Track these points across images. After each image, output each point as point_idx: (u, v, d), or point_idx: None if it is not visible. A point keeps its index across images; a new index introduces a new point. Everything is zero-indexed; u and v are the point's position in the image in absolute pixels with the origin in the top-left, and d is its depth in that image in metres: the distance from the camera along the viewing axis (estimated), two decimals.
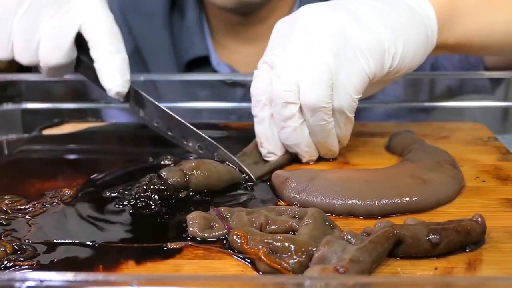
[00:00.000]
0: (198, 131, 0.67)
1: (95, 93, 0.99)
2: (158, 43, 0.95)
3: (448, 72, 0.94)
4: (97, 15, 0.68)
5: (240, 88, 0.94)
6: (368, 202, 0.55)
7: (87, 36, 0.67)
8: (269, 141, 0.65)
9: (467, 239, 0.48)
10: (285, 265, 0.45)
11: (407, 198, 0.55)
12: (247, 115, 0.89)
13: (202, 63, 0.95)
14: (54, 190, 0.61)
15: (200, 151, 0.67)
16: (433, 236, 0.47)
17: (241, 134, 0.79)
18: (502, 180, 0.62)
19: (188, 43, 0.95)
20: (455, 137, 0.75)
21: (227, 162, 0.64)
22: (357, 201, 0.55)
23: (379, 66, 0.62)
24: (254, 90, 0.65)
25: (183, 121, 0.68)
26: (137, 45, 0.97)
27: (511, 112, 0.87)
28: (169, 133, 0.69)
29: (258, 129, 0.66)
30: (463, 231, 0.48)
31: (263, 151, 0.66)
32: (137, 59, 0.97)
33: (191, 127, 0.67)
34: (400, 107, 0.89)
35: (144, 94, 0.70)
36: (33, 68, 0.96)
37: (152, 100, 0.69)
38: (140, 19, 0.96)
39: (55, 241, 0.51)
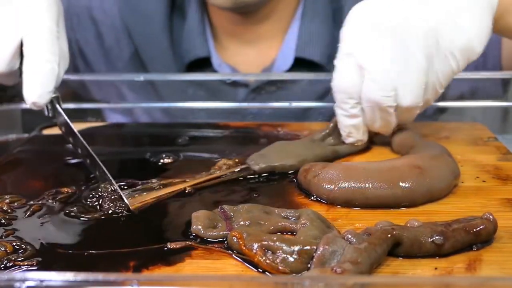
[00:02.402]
0: (97, 161, 0.64)
1: (95, 93, 0.99)
2: (158, 45, 0.95)
3: None
4: (36, 28, 0.67)
5: (242, 89, 0.94)
6: (365, 186, 0.56)
7: (23, 48, 0.67)
8: (359, 132, 0.68)
9: (478, 238, 0.48)
10: (282, 268, 0.45)
11: (402, 184, 0.56)
12: (250, 115, 0.90)
13: (203, 64, 0.95)
14: (54, 190, 0.61)
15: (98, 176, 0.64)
16: (437, 237, 0.47)
17: (241, 134, 0.79)
18: (502, 180, 0.62)
19: (189, 44, 0.95)
20: (455, 137, 0.75)
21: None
22: (355, 185, 0.56)
23: (466, 64, 0.64)
24: (341, 85, 0.65)
25: (88, 148, 0.65)
26: (137, 48, 0.96)
27: (511, 112, 0.87)
28: (80, 153, 0.67)
29: (348, 122, 0.67)
30: (473, 230, 0.48)
31: (351, 140, 0.68)
32: (137, 62, 0.97)
33: (94, 156, 0.64)
34: None
35: (62, 113, 0.68)
36: None
37: (67, 120, 0.67)
38: (139, 22, 0.95)
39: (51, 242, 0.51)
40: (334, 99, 0.67)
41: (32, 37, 0.67)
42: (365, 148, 0.70)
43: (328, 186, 0.57)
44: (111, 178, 0.61)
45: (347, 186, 0.57)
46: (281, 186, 0.62)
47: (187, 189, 0.60)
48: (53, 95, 0.67)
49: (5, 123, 0.84)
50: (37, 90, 0.66)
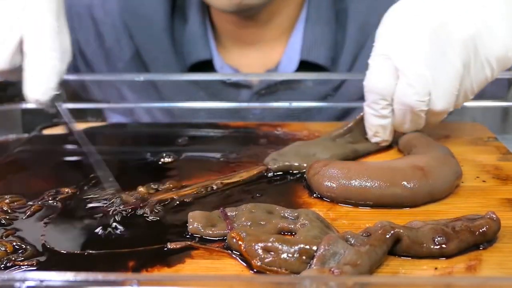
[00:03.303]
0: (98, 161, 0.65)
1: (95, 93, 0.99)
2: (159, 46, 0.95)
3: None
4: (36, 25, 0.67)
5: (244, 90, 0.93)
6: (366, 185, 0.56)
7: (24, 45, 0.68)
8: (385, 132, 0.68)
9: (483, 238, 0.48)
10: (280, 271, 0.45)
11: (404, 183, 0.56)
12: (252, 116, 0.90)
13: (205, 67, 0.95)
14: (54, 190, 0.61)
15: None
16: (439, 238, 0.47)
17: (241, 133, 0.79)
18: (502, 180, 0.62)
19: (191, 46, 0.95)
20: (455, 137, 0.75)
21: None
22: (355, 184, 0.56)
23: (499, 72, 0.65)
24: (374, 85, 0.65)
25: (91, 148, 0.66)
26: (138, 50, 0.96)
27: (511, 112, 0.87)
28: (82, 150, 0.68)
29: (376, 121, 0.67)
30: (478, 230, 0.48)
31: (377, 139, 0.69)
32: (138, 64, 0.97)
33: (95, 154, 0.66)
34: None
35: (62, 113, 0.68)
36: None
37: (68, 120, 0.68)
38: (140, 22, 0.95)
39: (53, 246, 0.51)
40: (365, 98, 0.67)
41: (33, 34, 0.67)
42: (387, 146, 0.71)
43: (328, 184, 0.57)
44: (111, 175, 0.61)
45: (347, 184, 0.57)
46: (288, 185, 0.62)
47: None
48: (56, 92, 0.67)
49: (5, 123, 0.84)
50: (39, 88, 0.66)
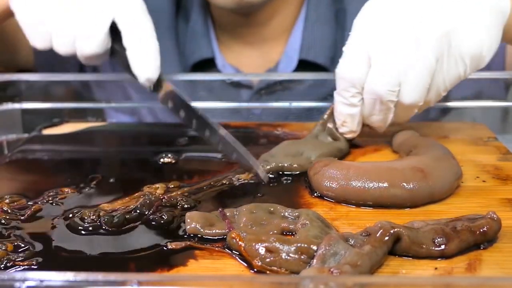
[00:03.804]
0: (217, 128, 0.66)
1: (99, 93, 0.99)
2: (163, 45, 0.94)
3: None
4: (128, 5, 0.70)
5: (245, 90, 0.93)
6: (365, 186, 0.56)
7: (120, 25, 0.70)
8: (353, 122, 0.67)
9: (483, 238, 0.48)
10: (280, 271, 0.45)
11: (404, 185, 0.56)
12: (253, 116, 0.90)
13: (207, 65, 0.95)
14: (54, 190, 0.61)
15: (220, 146, 0.67)
16: (439, 239, 0.47)
17: (241, 133, 0.79)
18: (502, 180, 0.62)
19: (193, 45, 0.95)
20: (455, 137, 0.75)
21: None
22: (355, 185, 0.56)
23: (473, 71, 0.65)
24: (346, 72, 0.65)
25: (207, 119, 0.67)
26: None
27: (511, 112, 0.87)
28: (193, 125, 0.69)
29: (344, 110, 0.67)
30: (479, 230, 0.48)
31: (344, 129, 0.69)
32: None
33: (212, 123, 0.67)
34: None
35: (170, 85, 0.70)
36: (33, 68, 0.97)
37: (180, 95, 0.69)
38: None
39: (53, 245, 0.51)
40: (336, 85, 0.67)
41: (128, 15, 0.69)
42: (375, 149, 0.71)
43: (328, 184, 0.58)
44: (243, 154, 0.64)
45: (346, 185, 0.57)
46: (289, 184, 0.62)
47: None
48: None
49: (5, 123, 0.84)
50: (149, 66, 0.69)
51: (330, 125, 0.70)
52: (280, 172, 0.65)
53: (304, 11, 0.94)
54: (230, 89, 0.93)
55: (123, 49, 0.70)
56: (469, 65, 0.63)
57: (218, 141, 0.66)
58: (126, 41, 0.69)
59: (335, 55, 0.93)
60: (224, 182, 0.62)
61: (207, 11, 0.96)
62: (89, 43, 0.70)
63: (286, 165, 0.65)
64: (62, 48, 0.71)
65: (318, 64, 0.92)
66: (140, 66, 0.69)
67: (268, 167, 0.65)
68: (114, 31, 0.70)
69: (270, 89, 0.92)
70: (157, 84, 0.70)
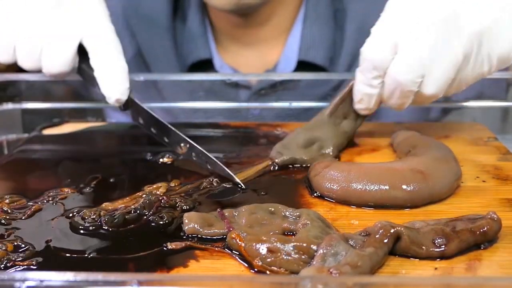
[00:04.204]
0: (187, 139, 0.68)
1: (98, 93, 0.99)
2: (160, 46, 0.95)
3: None
4: (98, 26, 0.70)
5: (244, 91, 0.93)
6: (365, 188, 0.56)
7: (88, 46, 0.70)
8: (371, 101, 0.67)
9: (483, 238, 0.48)
10: (281, 271, 0.45)
11: (404, 186, 0.56)
12: (252, 116, 0.90)
13: (205, 66, 0.95)
14: (54, 190, 0.61)
15: (194, 158, 0.68)
16: (439, 240, 0.47)
17: (241, 133, 0.79)
18: (502, 180, 0.62)
19: (191, 46, 0.95)
20: (455, 137, 0.75)
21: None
22: (355, 187, 0.56)
23: (496, 71, 0.65)
24: (372, 54, 0.64)
25: (175, 129, 0.69)
26: (140, 49, 0.96)
27: (511, 112, 0.87)
28: (165, 140, 0.70)
29: (364, 89, 0.67)
30: (479, 230, 0.48)
31: (360, 106, 0.68)
32: (140, 63, 0.97)
33: (181, 134, 0.68)
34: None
35: (140, 104, 0.71)
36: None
37: (147, 109, 0.71)
38: (142, 23, 0.96)
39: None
40: (359, 63, 0.66)
41: (96, 36, 0.70)
42: (372, 149, 0.71)
43: (329, 185, 0.58)
44: (216, 161, 0.64)
45: (347, 187, 0.57)
46: (290, 184, 0.62)
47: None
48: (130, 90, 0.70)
49: (5, 123, 0.84)
50: (118, 88, 0.69)
51: (346, 106, 0.70)
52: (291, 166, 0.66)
53: (303, 11, 0.94)
54: (228, 89, 0.93)
55: (91, 69, 0.70)
56: (495, 65, 0.63)
57: (191, 155, 0.67)
58: (93, 62, 0.70)
59: (334, 55, 0.93)
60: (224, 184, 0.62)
61: (204, 12, 0.96)
62: (56, 61, 0.70)
63: (300, 158, 0.66)
64: (27, 63, 0.71)
65: (318, 64, 0.92)
66: (109, 88, 0.69)
67: (281, 159, 0.66)
68: (81, 49, 0.70)
69: (269, 90, 0.92)
70: (127, 104, 0.70)
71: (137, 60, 0.97)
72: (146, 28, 0.95)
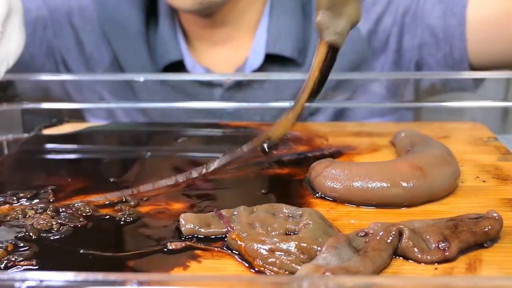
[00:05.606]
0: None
1: (76, 97, 1.00)
2: (135, 52, 0.97)
3: (451, 72, 0.93)
4: None
5: (217, 89, 0.95)
6: (367, 186, 0.56)
7: None
8: None
9: (485, 238, 0.48)
10: (281, 271, 0.45)
11: (402, 185, 0.56)
12: (227, 115, 0.90)
13: (178, 68, 0.97)
14: (54, 189, 0.61)
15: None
16: (442, 244, 0.47)
17: (240, 133, 0.79)
18: (502, 180, 0.62)
19: (162, 50, 0.97)
20: (455, 137, 0.75)
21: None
22: (356, 185, 0.56)
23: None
24: None
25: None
26: (116, 55, 0.98)
27: (511, 112, 0.87)
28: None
29: None
30: (481, 231, 0.48)
31: None
32: (117, 69, 0.99)
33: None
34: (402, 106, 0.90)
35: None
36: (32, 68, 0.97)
37: None
38: (117, 30, 0.97)
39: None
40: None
41: None
42: (372, 150, 0.71)
43: (331, 185, 0.58)
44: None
45: (348, 185, 0.57)
46: (290, 184, 0.63)
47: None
48: None
49: (5, 123, 0.85)
50: None
51: None
52: None
53: (269, 5, 0.95)
54: (201, 88, 0.94)
55: None
56: None
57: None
58: None
59: (304, 47, 0.94)
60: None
61: (175, 16, 0.98)
62: None
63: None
64: None
65: (285, 56, 0.93)
66: None
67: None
68: None
69: (240, 87, 0.93)
70: None
71: (114, 66, 0.99)
72: (120, 35, 0.97)
